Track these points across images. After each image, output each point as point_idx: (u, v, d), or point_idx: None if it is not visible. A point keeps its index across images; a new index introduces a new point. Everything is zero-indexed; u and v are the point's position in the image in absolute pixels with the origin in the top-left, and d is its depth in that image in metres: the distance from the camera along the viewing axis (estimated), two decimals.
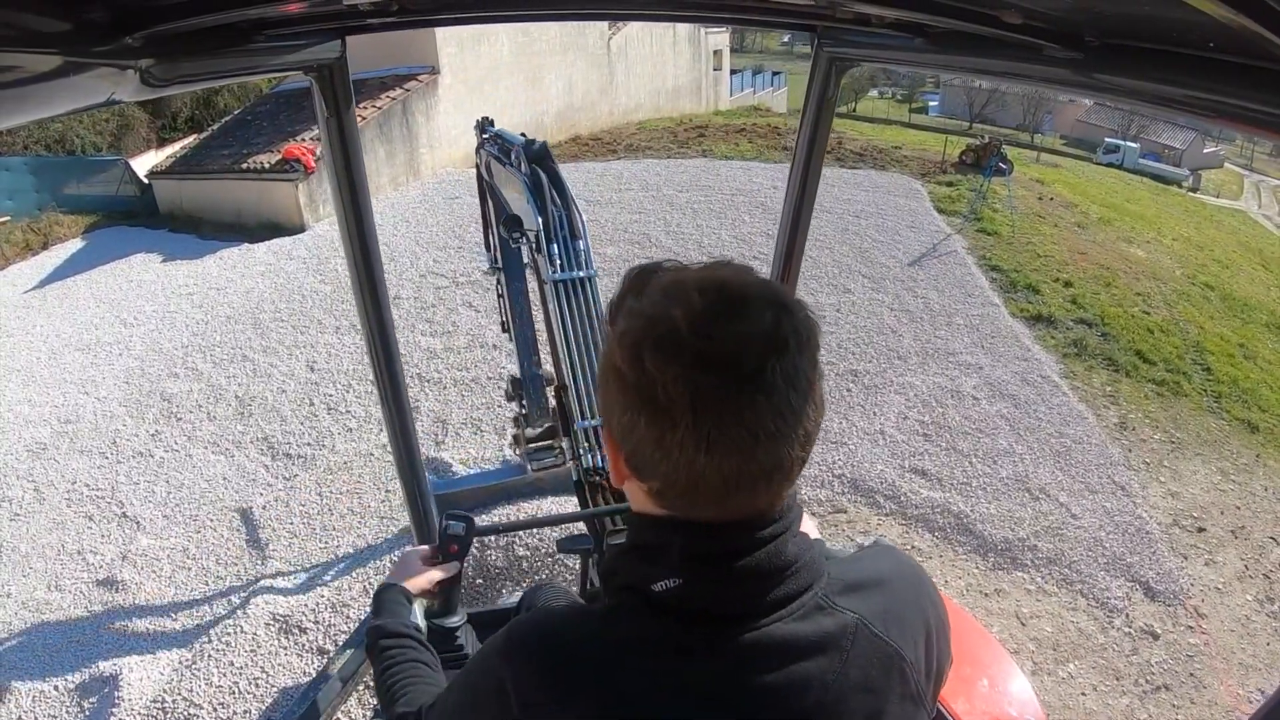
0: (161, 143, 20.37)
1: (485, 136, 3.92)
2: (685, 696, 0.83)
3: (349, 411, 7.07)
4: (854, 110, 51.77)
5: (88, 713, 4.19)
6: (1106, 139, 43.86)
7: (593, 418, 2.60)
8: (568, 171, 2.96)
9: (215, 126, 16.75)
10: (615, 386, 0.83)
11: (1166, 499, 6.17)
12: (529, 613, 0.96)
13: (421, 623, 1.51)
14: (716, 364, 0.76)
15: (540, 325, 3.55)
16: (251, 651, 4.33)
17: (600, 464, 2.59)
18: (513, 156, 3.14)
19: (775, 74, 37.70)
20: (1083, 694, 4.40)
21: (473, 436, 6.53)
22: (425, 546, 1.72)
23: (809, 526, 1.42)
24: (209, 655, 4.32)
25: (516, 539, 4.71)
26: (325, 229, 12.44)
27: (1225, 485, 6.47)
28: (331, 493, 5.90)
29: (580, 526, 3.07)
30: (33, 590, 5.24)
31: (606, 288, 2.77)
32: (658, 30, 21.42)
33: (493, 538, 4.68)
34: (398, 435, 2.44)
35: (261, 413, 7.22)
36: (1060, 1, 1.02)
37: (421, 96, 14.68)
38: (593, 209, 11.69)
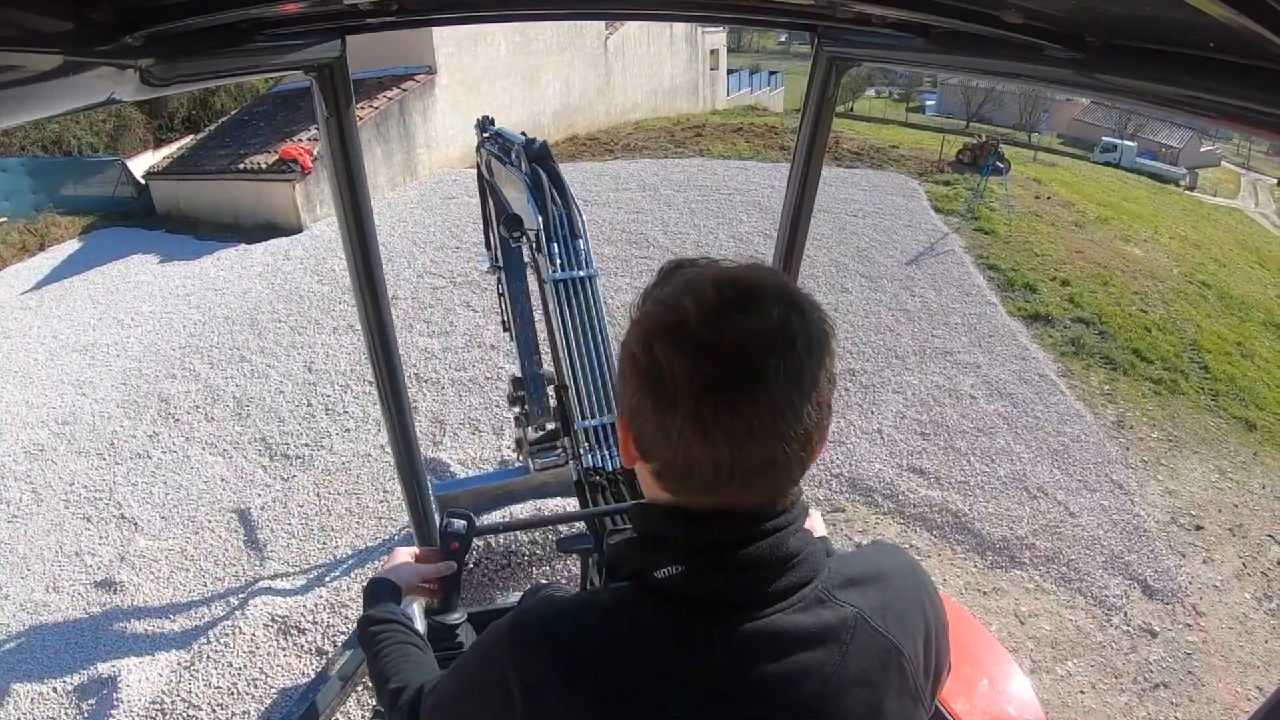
0: (158, 143, 20.31)
1: (486, 135, 3.92)
2: (687, 687, 0.84)
3: (347, 412, 7.06)
4: (851, 109, 51.73)
5: (86, 714, 4.19)
6: (1104, 138, 43.83)
7: (593, 417, 2.60)
8: (565, 171, 2.96)
9: (212, 127, 16.74)
10: (629, 369, 0.86)
11: (1164, 497, 6.18)
12: (532, 603, 0.97)
13: (420, 620, 1.51)
14: (720, 354, 0.79)
15: (541, 324, 3.55)
16: (250, 652, 4.32)
17: (600, 464, 2.59)
18: (513, 155, 3.14)
19: (772, 73, 37.74)
20: (1081, 692, 4.41)
21: (471, 437, 6.53)
22: (414, 547, 1.73)
23: (815, 523, 1.44)
24: (207, 656, 4.31)
25: (514, 539, 4.71)
26: (322, 229, 12.44)
27: (1223, 483, 6.48)
28: (329, 493, 5.90)
29: (581, 526, 3.07)
30: (31, 592, 5.23)
31: (606, 287, 2.77)
32: (655, 30, 21.43)
33: (495, 536, 4.67)
34: (397, 436, 2.44)
35: (259, 414, 7.21)
36: (1061, 2, 1.02)
37: (418, 97, 14.68)
38: (590, 209, 11.67)
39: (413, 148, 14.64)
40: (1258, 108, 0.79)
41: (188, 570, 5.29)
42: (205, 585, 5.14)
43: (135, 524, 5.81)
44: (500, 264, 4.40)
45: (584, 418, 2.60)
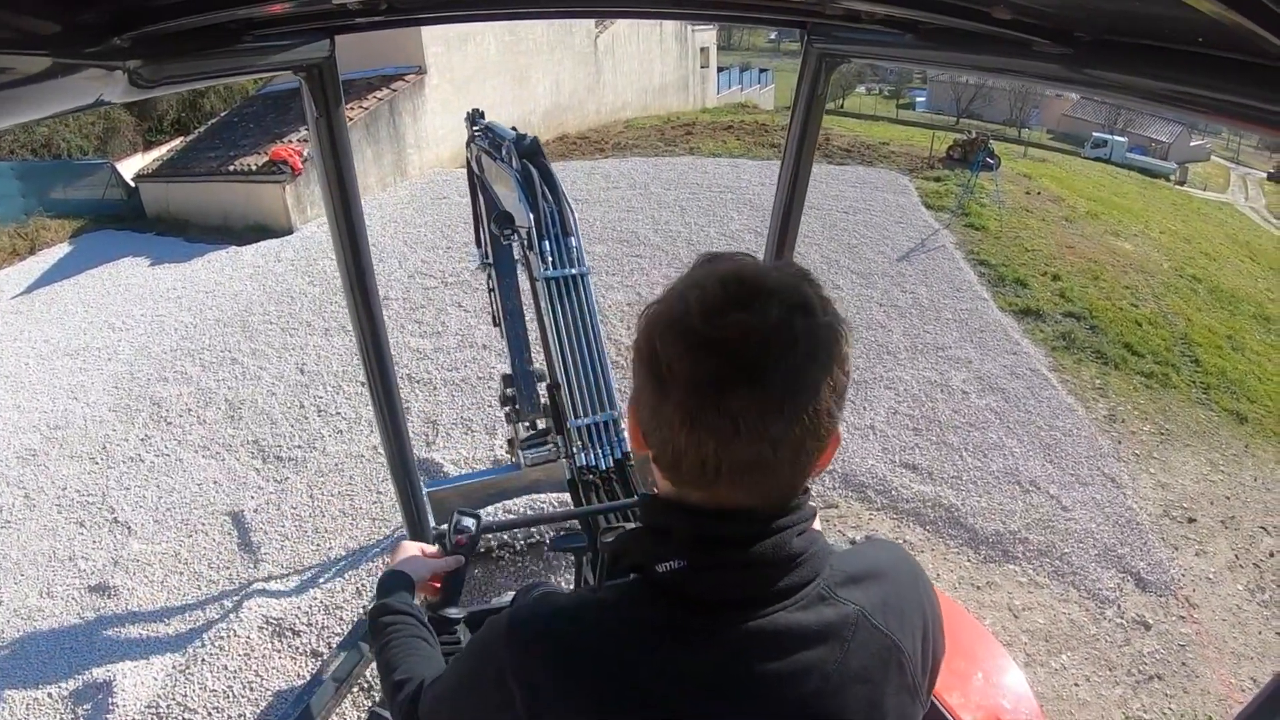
0: (148, 145, 20.23)
1: (476, 129, 3.88)
2: (686, 683, 0.84)
3: (339, 413, 7.04)
4: (841, 106, 51.82)
5: None
6: (1094, 133, 44.06)
7: (586, 416, 2.60)
8: (555, 170, 2.95)
9: (201, 129, 16.65)
10: (635, 357, 0.87)
11: (1156, 490, 6.20)
12: (531, 600, 0.96)
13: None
14: (715, 350, 0.78)
15: (531, 321, 3.54)
16: (245, 655, 4.31)
17: (593, 462, 2.59)
18: (504, 151, 3.12)
19: (762, 71, 37.69)
20: (1076, 685, 4.43)
21: (463, 437, 6.52)
22: (422, 543, 1.74)
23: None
24: (202, 660, 4.30)
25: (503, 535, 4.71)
26: (313, 230, 12.40)
27: (1215, 476, 6.51)
28: (323, 495, 5.89)
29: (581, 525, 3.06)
30: (25, 597, 5.21)
31: (596, 286, 2.77)
32: (645, 28, 21.40)
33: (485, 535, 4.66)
34: (390, 436, 2.43)
35: (251, 416, 7.19)
36: None
37: (408, 97, 14.62)
38: (581, 207, 11.64)
39: (403, 148, 14.60)
40: (1248, 102, 0.79)
41: (181, 574, 5.27)
42: (199, 588, 5.13)
43: (128, 528, 5.79)
44: (490, 260, 4.39)
45: (577, 416, 2.59)
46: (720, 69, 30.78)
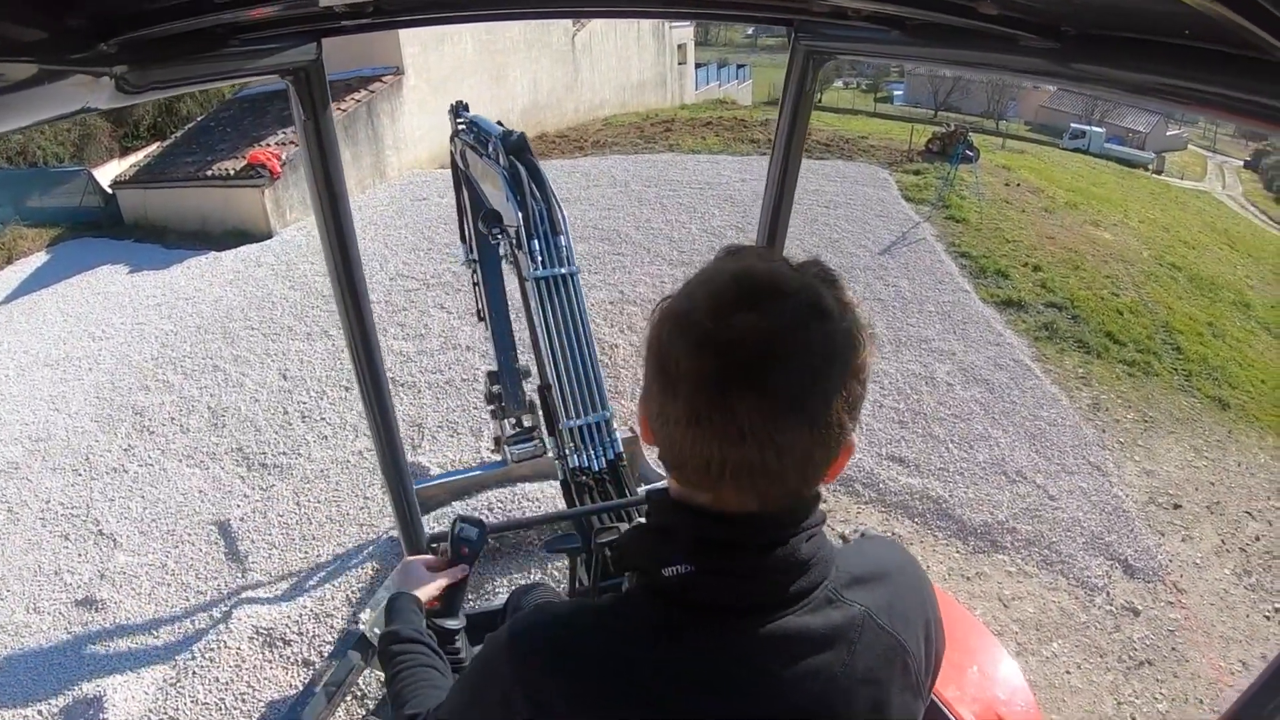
0: (124, 151, 19.99)
1: (460, 123, 3.83)
2: (693, 690, 0.82)
3: (323, 419, 7.00)
4: (820, 101, 51.82)
5: None
6: (1072, 124, 44.24)
7: (577, 417, 2.58)
8: None
9: (179, 134, 16.49)
10: (647, 351, 0.85)
11: (1142, 477, 6.26)
12: (528, 612, 0.95)
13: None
14: (721, 350, 0.76)
15: (517, 319, 3.51)
16: (236, 666, 4.28)
17: (585, 464, 2.58)
18: (490, 148, 3.08)
19: (740, 66, 37.62)
20: (1067, 672, 4.46)
21: (449, 439, 6.49)
22: (427, 555, 1.72)
23: None
24: (193, 672, 4.26)
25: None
26: (292, 234, 12.33)
27: (1199, 462, 6.58)
28: (309, 502, 5.85)
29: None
30: (11, 613, 5.14)
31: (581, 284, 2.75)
32: (622, 26, 21.34)
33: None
34: (382, 440, 2.42)
35: (235, 423, 7.13)
36: None
37: (386, 98, 14.54)
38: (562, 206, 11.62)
39: (381, 150, 14.51)
40: (1235, 94, 0.80)
41: (169, 585, 5.23)
42: (188, 599, 5.08)
43: (114, 540, 5.73)
44: (475, 257, 4.35)
45: (569, 417, 2.57)
46: (698, 65, 30.73)
